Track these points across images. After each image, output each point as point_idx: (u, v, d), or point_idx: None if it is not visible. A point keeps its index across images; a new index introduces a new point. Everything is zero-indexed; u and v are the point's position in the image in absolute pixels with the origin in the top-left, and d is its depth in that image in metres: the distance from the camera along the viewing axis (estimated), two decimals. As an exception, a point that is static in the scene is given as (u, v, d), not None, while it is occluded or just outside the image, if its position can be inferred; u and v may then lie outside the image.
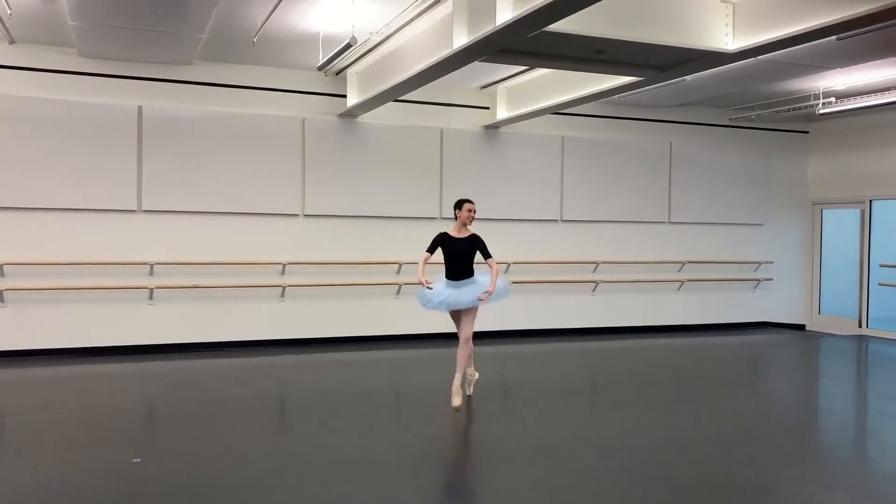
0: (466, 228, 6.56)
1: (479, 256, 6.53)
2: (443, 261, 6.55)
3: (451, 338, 10.29)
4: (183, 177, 9.08)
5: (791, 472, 4.93)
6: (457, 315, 6.58)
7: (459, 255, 6.46)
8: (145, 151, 8.93)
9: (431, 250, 6.50)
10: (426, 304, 6.54)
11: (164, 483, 4.53)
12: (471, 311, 6.49)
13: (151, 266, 9.00)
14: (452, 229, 6.59)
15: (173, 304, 9.13)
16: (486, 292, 6.29)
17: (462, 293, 6.41)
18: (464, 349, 6.43)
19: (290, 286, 9.58)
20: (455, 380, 6.40)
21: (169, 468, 4.82)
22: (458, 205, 6.58)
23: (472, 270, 6.52)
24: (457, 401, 6.32)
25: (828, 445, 5.93)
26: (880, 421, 6.70)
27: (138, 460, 4.90)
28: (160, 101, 9.03)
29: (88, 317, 8.81)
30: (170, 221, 9.09)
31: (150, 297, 9.03)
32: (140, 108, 8.91)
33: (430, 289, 6.39)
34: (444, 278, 6.54)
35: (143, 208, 8.97)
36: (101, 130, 8.77)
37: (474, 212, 6.55)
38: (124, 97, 8.91)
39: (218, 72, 9.28)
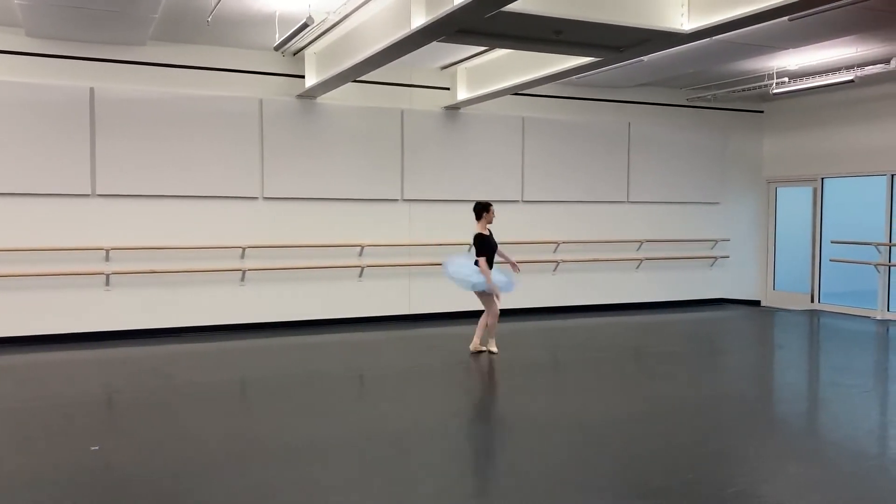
0: (487, 227, 7.85)
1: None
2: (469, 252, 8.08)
3: (414, 319, 10.34)
4: (138, 160, 8.90)
5: (748, 442, 5.07)
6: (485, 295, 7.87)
7: (496, 249, 7.81)
8: (99, 134, 8.73)
9: (484, 254, 7.66)
10: (505, 288, 7.89)
11: (123, 470, 4.49)
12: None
13: (107, 251, 8.83)
14: (484, 229, 7.76)
15: (130, 290, 8.99)
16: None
17: (500, 275, 7.89)
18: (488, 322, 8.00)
19: (249, 270, 9.50)
20: (475, 345, 8.00)
21: (128, 455, 4.77)
22: (486, 207, 7.79)
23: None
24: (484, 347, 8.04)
25: (782, 416, 6.11)
26: (832, 392, 6.91)
27: (96, 448, 4.84)
28: (113, 83, 8.83)
29: (43, 304, 8.62)
30: (125, 205, 8.93)
31: (107, 283, 8.87)
32: (92, 89, 8.70)
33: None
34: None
35: (98, 192, 8.79)
36: (53, 113, 8.54)
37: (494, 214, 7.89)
38: (76, 78, 8.68)
39: (172, 52, 9.09)
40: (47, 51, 8.57)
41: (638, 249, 11.84)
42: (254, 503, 3.99)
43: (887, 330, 10.26)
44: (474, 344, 7.99)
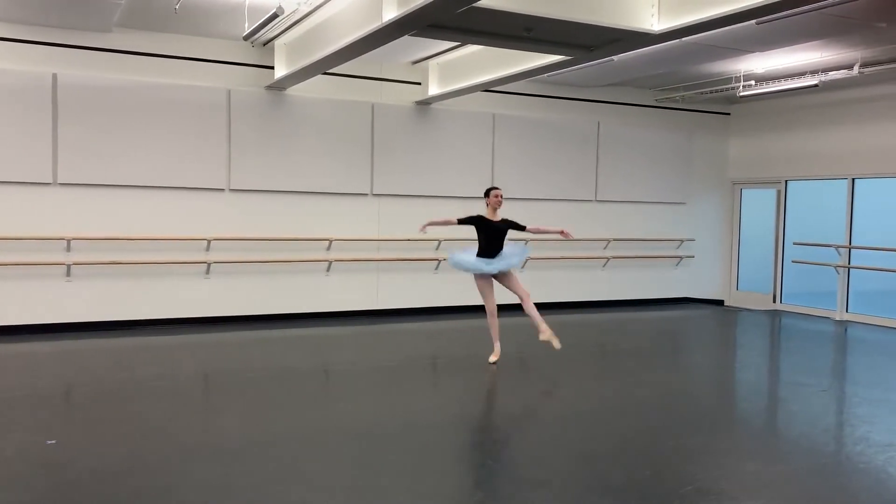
0: (496, 213, 7.18)
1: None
2: (476, 239, 7.25)
3: (381, 315, 10.30)
4: (101, 149, 8.74)
5: (707, 440, 5.14)
6: (489, 285, 7.21)
7: (496, 236, 7.14)
8: (61, 121, 8.55)
9: (461, 221, 7.14)
10: (477, 269, 7.10)
11: (79, 465, 4.41)
12: (513, 276, 7.29)
13: (69, 241, 8.66)
14: (487, 213, 7.18)
15: (92, 281, 8.82)
16: (563, 232, 7.49)
17: (507, 259, 7.12)
18: (528, 306, 7.19)
19: (215, 262, 9.38)
20: (543, 332, 7.17)
21: (85, 450, 4.69)
22: (486, 192, 7.23)
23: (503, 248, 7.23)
24: (556, 343, 7.17)
25: (742, 414, 6.21)
26: (790, 390, 7.04)
27: (52, 442, 4.74)
28: (77, 70, 8.64)
29: (1, 295, 8.43)
30: (88, 195, 8.75)
31: (68, 274, 8.70)
32: (55, 75, 8.51)
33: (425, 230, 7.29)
34: (477, 256, 7.13)
35: (59, 181, 8.60)
36: (13, 99, 8.34)
37: (501, 197, 7.19)
38: (38, 64, 8.48)
39: (138, 40, 8.93)
40: (8, 34, 8.36)
41: (605, 248, 11.93)
42: (214, 499, 3.94)
43: (845, 330, 10.49)
44: (544, 332, 7.20)
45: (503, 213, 7.38)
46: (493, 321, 7.32)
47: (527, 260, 7.81)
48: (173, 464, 4.45)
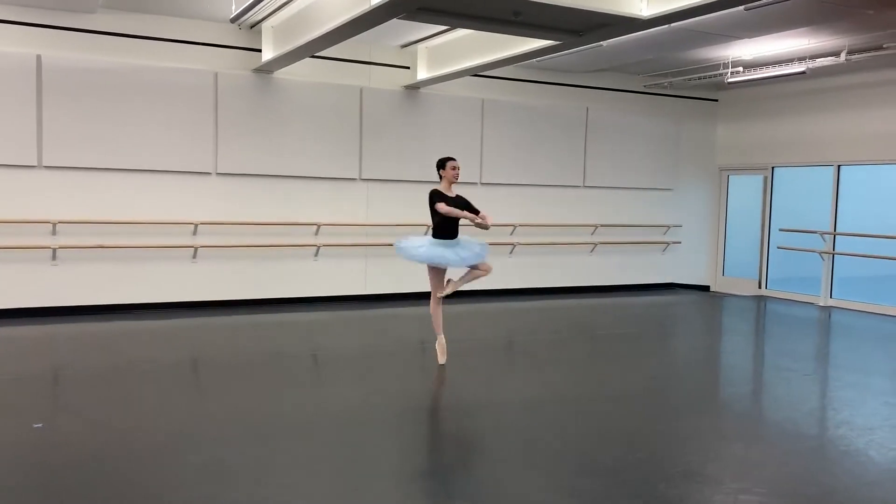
0: (451, 188, 6.43)
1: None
2: (430, 221, 6.43)
3: (370, 300, 10.32)
4: (87, 131, 8.66)
5: (694, 423, 5.20)
6: (439, 275, 6.41)
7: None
8: (45, 103, 8.46)
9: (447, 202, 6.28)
10: (425, 259, 6.25)
11: (66, 448, 4.40)
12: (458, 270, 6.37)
13: (54, 225, 8.59)
14: (442, 188, 6.42)
15: (78, 265, 8.77)
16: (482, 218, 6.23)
17: (463, 250, 6.25)
18: (461, 282, 6.44)
19: (202, 247, 9.34)
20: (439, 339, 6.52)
21: (73, 433, 4.68)
22: (442, 164, 6.41)
23: (458, 231, 6.42)
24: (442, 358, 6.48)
25: (727, 398, 6.27)
26: (775, 375, 7.12)
27: (39, 425, 4.73)
28: (61, 51, 8.55)
29: (-15, 278, 8.38)
30: (73, 178, 8.68)
31: (54, 258, 8.64)
32: (39, 57, 8.41)
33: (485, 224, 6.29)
34: (432, 237, 6.34)
35: (44, 164, 8.52)
36: (-4, 80, 8.26)
37: (458, 169, 6.40)
38: (21, 45, 8.38)
39: (124, 21, 8.83)
40: (-9, 15, 8.26)
41: (593, 234, 11.97)
42: (202, 484, 3.95)
43: (829, 316, 10.60)
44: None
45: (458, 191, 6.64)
46: (437, 309, 6.52)
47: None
48: (160, 447, 4.45)
